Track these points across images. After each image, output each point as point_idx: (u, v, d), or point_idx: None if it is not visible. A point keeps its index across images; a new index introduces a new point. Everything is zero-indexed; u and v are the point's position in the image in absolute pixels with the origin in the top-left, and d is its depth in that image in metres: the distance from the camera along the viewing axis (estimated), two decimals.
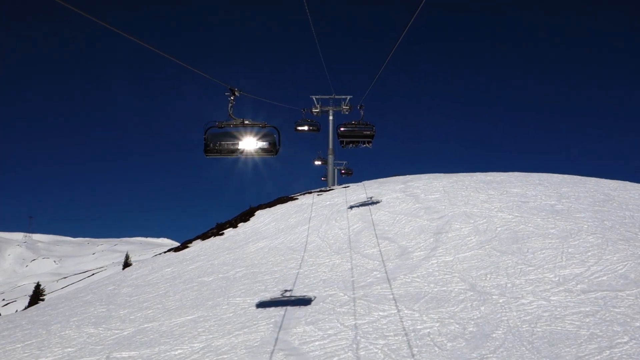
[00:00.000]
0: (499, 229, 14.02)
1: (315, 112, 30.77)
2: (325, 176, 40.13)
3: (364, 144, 18.48)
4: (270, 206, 22.67)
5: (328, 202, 20.63)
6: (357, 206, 18.91)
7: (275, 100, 20.12)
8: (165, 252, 22.95)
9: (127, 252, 47.27)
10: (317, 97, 30.93)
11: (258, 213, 21.96)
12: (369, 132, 17.44)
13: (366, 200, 19.47)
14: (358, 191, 21.88)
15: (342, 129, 17.08)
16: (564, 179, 22.62)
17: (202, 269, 15.90)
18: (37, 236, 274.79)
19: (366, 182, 27.32)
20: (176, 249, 21.61)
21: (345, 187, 24.48)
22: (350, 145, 18.04)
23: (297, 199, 22.91)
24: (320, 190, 24.30)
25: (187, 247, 21.17)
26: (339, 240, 15.70)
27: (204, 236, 21.86)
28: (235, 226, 21.26)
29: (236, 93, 9.72)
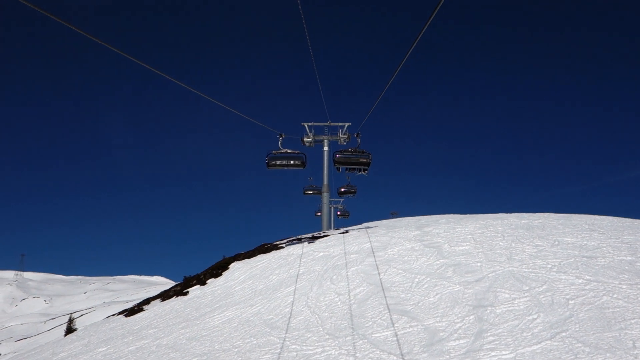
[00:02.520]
0: (571, 302, 9.50)
1: (307, 142, 26.53)
2: (321, 211, 35.18)
3: (360, 171, 18.52)
4: (249, 257, 18.15)
5: (321, 253, 16.11)
6: (360, 260, 14.40)
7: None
8: (118, 314, 18.29)
9: (71, 316, 41.83)
10: (309, 124, 26.72)
11: (233, 266, 17.42)
12: (365, 160, 17.27)
13: (372, 251, 14.97)
14: (360, 238, 17.37)
15: (337, 155, 16.68)
16: (614, 222, 18.27)
17: (141, 353, 11.27)
18: (28, 274, 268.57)
19: (369, 225, 22.87)
20: (129, 313, 16.98)
21: (343, 232, 19.99)
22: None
23: (282, 247, 18.39)
24: (312, 237, 19.81)
25: (142, 309, 16.54)
26: (335, 312, 11.16)
27: (165, 295, 17.28)
28: (203, 283, 16.72)
29: None
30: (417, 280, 11.96)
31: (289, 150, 17.67)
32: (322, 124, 26.92)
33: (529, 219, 18.25)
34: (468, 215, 21.15)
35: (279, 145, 17.88)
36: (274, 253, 17.62)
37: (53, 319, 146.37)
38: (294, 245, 18.14)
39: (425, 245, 14.48)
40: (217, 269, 17.43)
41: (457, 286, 11.11)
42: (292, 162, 17.80)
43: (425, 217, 22.41)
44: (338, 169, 17.82)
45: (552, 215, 20.37)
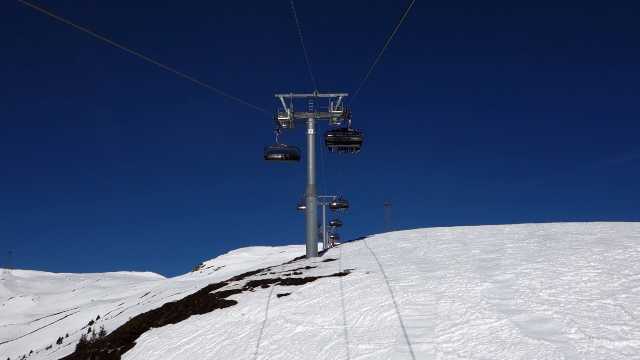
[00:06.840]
0: None
1: (284, 121, 18.39)
2: (304, 203, 25.52)
3: (352, 150, 18.15)
4: (175, 320, 10.36)
5: (299, 328, 8.30)
6: (383, 351, 6.58)
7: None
8: None
9: None
10: (286, 96, 18.59)
11: (143, 341, 9.60)
12: (357, 139, 17.37)
13: (404, 336, 7.13)
14: (373, 293, 9.45)
15: (329, 135, 16.94)
16: None
17: None
18: (16, 272, 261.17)
19: (373, 239, 15.02)
20: None
21: (340, 273, 11.84)
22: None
23: (234, 303, 10.55)
24: (287, 278, 11.95)
25: None
26: None
27: None
28: None
29: None
30: None
31: None
32: (305, 96, 18.87)
33: None
34: (532, 227, 13.45)
35: None
36: (216, 315, 9.83)
37: (37, 320, 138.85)
38: (254, 298, 10.34)
39: (523, 327, 6.62)
40: (118, 345, 9.78)
41: None
42: None
43: (465, 229, 14.73)
44: (330, 148, 17.46)
45: None
